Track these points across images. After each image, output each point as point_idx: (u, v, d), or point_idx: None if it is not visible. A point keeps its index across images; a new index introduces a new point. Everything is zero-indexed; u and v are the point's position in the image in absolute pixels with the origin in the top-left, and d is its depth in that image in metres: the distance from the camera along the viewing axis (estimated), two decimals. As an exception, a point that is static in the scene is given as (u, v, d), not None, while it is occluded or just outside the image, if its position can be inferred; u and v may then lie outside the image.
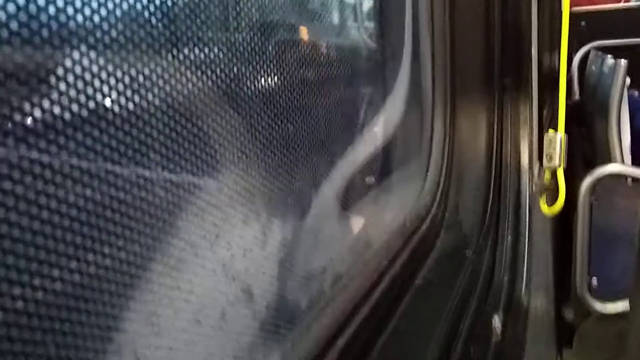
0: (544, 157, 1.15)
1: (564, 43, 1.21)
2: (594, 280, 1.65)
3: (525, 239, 0.98)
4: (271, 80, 0.60)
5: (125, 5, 0.39)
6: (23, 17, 0.32)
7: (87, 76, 0.36)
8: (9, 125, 0.31)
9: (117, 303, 0.38)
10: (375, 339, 0.65)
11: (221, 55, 0.53)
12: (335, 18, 0.92)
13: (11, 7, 0.31)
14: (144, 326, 0.40)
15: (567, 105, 1.23)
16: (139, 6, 0.41)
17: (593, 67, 2.38)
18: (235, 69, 0.52)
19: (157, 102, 0.45)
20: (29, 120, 0.33)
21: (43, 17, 0.33)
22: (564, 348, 1.71)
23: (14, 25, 0.31)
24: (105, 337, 0.37)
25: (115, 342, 0.38)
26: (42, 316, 0.34)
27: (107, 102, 0.40)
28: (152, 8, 0.43)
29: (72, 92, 0.34)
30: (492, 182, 1.02)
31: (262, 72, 0.57)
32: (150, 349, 0.40)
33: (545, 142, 1.13)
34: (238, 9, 0.58)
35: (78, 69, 0.35)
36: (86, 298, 0.36)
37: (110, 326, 0.38)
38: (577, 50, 2.68)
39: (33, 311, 0.34)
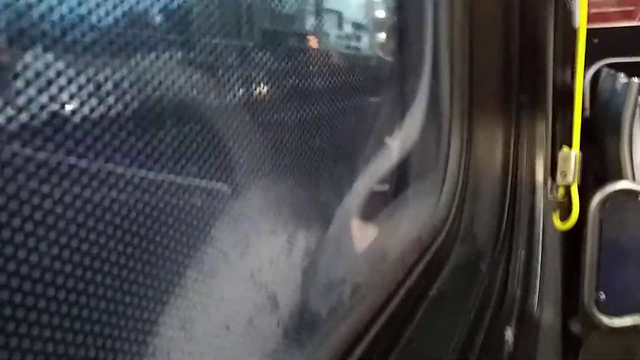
0: (558, 173, 1.16)
1: (580, 60, 1.22)
2: (602, 295, 1.65)
3: (538, 253, 0.99)
4: (298, 97, 0.61)
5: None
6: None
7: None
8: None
9: (153, 308, 0.40)
10: (392, 348, 0.66)
11: (254, 73, 0.55)
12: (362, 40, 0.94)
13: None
14: (178, 331, 0.41)
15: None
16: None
17: (605, 85, 2.39)
18: (266, 86, 0.54)
19: (191, 115, 0.46)
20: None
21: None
22: (571, 361, 1.71)
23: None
24: (140, 341, 0.39)
25: (150, 346, 0.39)
26: (82, 319, 0.36)
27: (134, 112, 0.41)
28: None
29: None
30: (507, 197, 1.04)
31: (291, 89, 0.59)
32: (183, 353, 0.41)
33: (559, 159, 1.14)
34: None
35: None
36: (125, 303, 0.38)
37: (145, 330, 0.39)
38: (588, 67, 2.68)
39: (74, 314, 0.35)
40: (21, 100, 0.31)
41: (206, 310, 0.44)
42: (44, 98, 0.32)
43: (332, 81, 0.74)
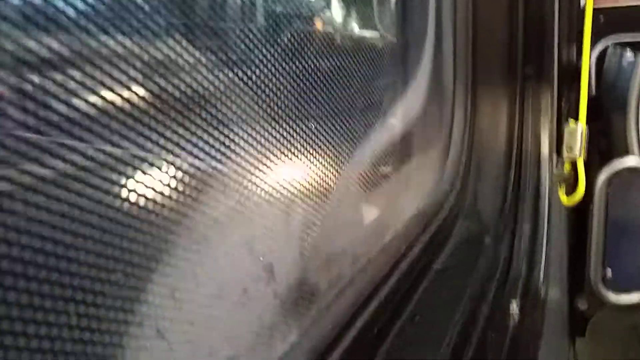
0: (564, 147, 1.14)
1: (586, 35, 1.19)
2: (609, 272, 1.64)
3: (543, 228, 0.97)
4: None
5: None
6: None
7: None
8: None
9: (139, 275, 0.38)
10: (394, 321, 0.65)
11: (264, 73, 0.53)
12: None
13: None
14: (167, 300, 0.40)
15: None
16: None
17: (611, 62, 2.36)
18: (271, 82, 0.52)
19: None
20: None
21: None
22: (577, 338, 1.71)
23: None
24: (126, 308, 0.38)
25: (137, 314, 0.38)
26: (66, 285, 0.34)
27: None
28: None
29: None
30: (512, 171, 1.02)
31: (291, 76, 0.57)
32: (171, 322, 0.40)
33: (565, 133, 1.12)
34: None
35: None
36: (109, 269, 0.36)
37: (131, 298, 0.38)
38: (595, 45, 2.65)
39: (57, 280, 0.34)
40: None
41: (197, 279, 0.42)
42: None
43: (332, 59, 0.73)
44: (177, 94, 0.43)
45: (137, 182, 0.38)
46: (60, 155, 0.34)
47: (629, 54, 2.01)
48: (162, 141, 0.41)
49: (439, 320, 0.68)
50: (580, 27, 1.54)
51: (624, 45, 2.39)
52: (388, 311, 0.64)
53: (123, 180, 0.37)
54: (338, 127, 0.70)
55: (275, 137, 0.54)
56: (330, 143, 0.68)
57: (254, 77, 0.53)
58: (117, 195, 0.37)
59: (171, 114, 0.42)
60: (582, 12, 1.59)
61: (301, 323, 0.54)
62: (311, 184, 0.62)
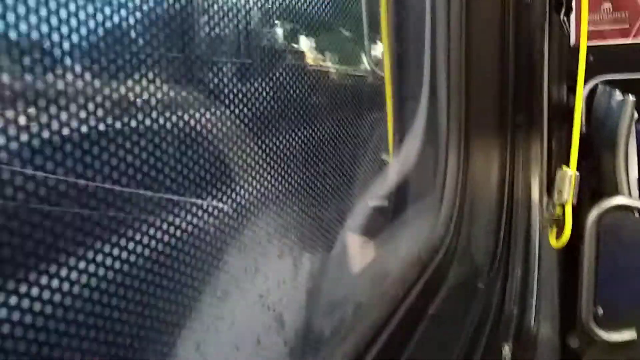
0: (555, 192, 1.19)
1: (580, 78, 1.25)
2: (600, 310, 1.67)
3: (534, 271, 1.02)
4: (303, 127, 0.64)
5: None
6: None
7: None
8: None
9: (171, 331, 0.43)
10: (393, 366, 0.69)
11: (258, 104, 0.58)
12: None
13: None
14: (193, 352, 0.44)
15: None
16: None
17: (601, 102, 2.42)
18: (272, 118, 0.57)
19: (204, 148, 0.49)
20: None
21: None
22: (569, 377, 1.73)
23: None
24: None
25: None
26: (108, 343, 0.39)
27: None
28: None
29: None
30: (504, 216, 1.07)
31: (295, 120, 0.62)
32: (198, 372, 0.44)
33: (557, 178, 1.17)
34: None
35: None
36: (146, 326, 0.41)
37: (164, 352, 0.42)
38: (584, 85, 2.71)
39: (100, 339, 0.38)
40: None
41: (218, 331, 0.47)
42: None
43: (334, 108, 0.78)
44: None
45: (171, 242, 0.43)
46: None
47: (617, 94, 2.06)
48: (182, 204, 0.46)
49: (436, 364, 0.72)
50: (570, 67, 1.60)
51: (612, 83, 2.46)
52: (388, 356, 0.68)
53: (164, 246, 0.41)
54: (340, 180, 0.75)
55: (282, 193, 0.59)
56: (333, 195, 0.73)
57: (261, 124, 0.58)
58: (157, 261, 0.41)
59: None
60: (571, 51, 1.64)
61: (308, 369, 0.58)
62: (316, 236, 0.67)
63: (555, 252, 1.37)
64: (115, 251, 0.39)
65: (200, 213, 0.47)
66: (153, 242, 0.42)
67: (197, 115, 0.50)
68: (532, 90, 1.23)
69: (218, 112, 0.53)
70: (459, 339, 0.79)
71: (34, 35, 0.33)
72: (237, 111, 0.55)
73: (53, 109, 0.34)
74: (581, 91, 1.32)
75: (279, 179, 0.59)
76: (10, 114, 0.32)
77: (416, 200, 1.00)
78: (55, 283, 0.35)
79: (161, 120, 0.45)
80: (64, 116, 0.35)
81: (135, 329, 0.39)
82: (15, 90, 0.33)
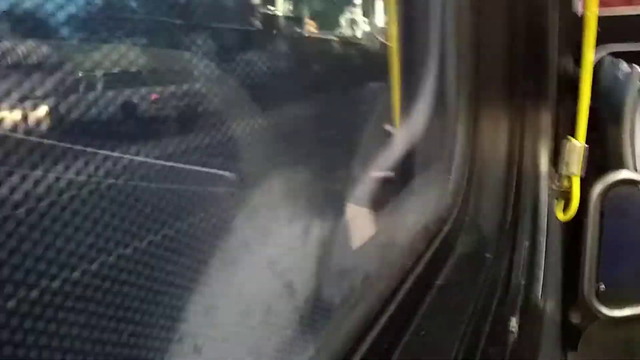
0: (562, 164, 1.17)
1: (588, 48, 1.22)
2: (602, 286, 1.67)
3: (542, 244, 1.01)
4: (312, 89, 0.62)
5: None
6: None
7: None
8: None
9: (180, 295, 0.41)
10: (401, 336, 0.67)
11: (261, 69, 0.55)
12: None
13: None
14: (202, 318, 0.42)
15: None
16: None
17: (607, 73, 2.39)
18: (284, 79, 0.55)
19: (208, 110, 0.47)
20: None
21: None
22: (569, 351, 1.73)
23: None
24: (169, 326, 0.40)
25: (177, 332, 0.41)
26: (112, 305, 0.37)
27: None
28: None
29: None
30: (512, 187, 1.05)
31: (306, 81, 0.60)
32: (207, 338, 0.43)
33: (564, 150, 1.15)
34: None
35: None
36: (155, 290, 0.39)
37: (173, 316, 0.40)
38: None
39: (106, 301, 0.36)
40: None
41: (228, 297, 0.45)
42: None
43: (343, 73, 0.75)
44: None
45: (179, 205, 0.41)
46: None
47: (624, 66, 2.03)
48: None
49: (444, 336, 0.71)
50: (577, 38, 1.57)
51: (619, 55, 2.42)
52: (396, 326, 0.67)
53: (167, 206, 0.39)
54: (347, 148, 0.73)
55: (296, 155, 0.57)
56: (343, 161, 0.71)
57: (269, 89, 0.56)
58: (161, 220, 0.39)
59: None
60: (579, 22, 1.61)
61: (317, 338, 0.56)
62: (326, 203, 0.65)
63: (559, 226, 1.36)
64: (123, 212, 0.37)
65: (208, 177, 0.45)
66: (161, 203, 0.40)
67: (200, 82, 0.48)
68: (540, 59, 1.20)
69: (222, 79, 0.51)
70: (467, 310, 0.78)
71: None
72: (240, 77, 0.53)
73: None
74: (590, 60, 1.30)
75: (287, 144, 0.57)
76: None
77: (424, 170, 0.98)
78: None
79: (165, 88, 0.43)
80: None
81: (142, 292, 0.38)
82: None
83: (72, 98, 0.34)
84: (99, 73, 0.38)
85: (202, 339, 0.41)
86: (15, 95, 0.29)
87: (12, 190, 0.29)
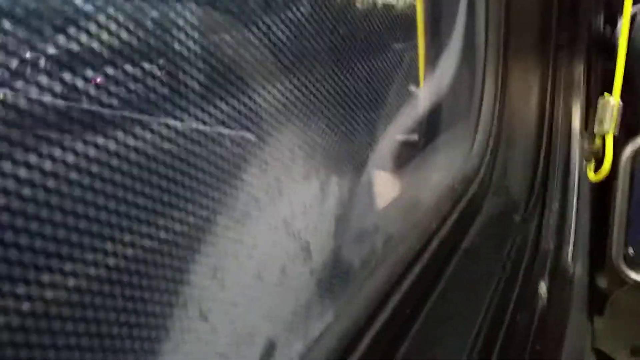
0: (595, 121, 1.11)
1: (627, 3, 1.15)
2: (630, 250, 1.62)
3: (572, 206, 0.96)
4: (326, 36, 0.57)
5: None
6: None
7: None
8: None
9: (183, 256, 0.37)
10: (426, 300, 0.64)
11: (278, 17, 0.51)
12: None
13: None
14: (209, 280, 0.39)
15: (610, 69, 1.18)
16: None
17: (640, 31, 2.30)
18: (292, 28, 0.50)
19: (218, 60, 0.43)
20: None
21: None
22: (596, 316, 1.69)
23: None
24: (171, 290, 0.37)
25: (181, 295, 0.37)
26: (113, 268, 0.33)
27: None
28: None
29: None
30: (542, 146, 0.99)
31: (317, 29, 0.55)
32: (214, 303, 0.39)
33: (598, 106, 1.09)
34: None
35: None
36: (155, 250, 0.35)
37: (176, 279, 0.37)
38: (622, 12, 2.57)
39: (107, 264, 0.33)
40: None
41: (238, 258, 0.41)
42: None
43: (361, 24, 0.70)
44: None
45: (180, 156, 0.37)
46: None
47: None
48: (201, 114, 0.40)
49: (469, 301, 0.67)
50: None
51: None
52: (420, 290, 0.63)
53: (165, 157, 0.36)
54: (370, 101, 0.69)
55: (307, 111, 0.53)
56: (364, 118, 0.66)
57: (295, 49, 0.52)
58: (160, 173, 0.35)
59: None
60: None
61: (336, 302, 0.53)
62: (345, 160, 0.61)
63: (588, 188, 1.30)
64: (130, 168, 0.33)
65: (214, 124, 0.41)
66: (161, 160, 0.36)
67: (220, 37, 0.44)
68: (575, 10, 1.13)
69: (239, 34, 0.47)
70: (494, 275, 0.74)
71: None
72: (257, 31, 0.48)
73: None
74: (628, 14, 1.22)
75: (303, 94, 0.52)
76: None
77: (450, 127, 0.93)
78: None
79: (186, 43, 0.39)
80: None
81: (140, 252, 0.34)
82: None
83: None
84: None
85: (209, 303, 0.38)
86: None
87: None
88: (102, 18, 0.33)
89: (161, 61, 0.38)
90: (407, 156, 0.81)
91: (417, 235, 0.69)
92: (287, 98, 0.50)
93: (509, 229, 0.85)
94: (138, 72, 0.35)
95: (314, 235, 0.51)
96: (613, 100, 1.12)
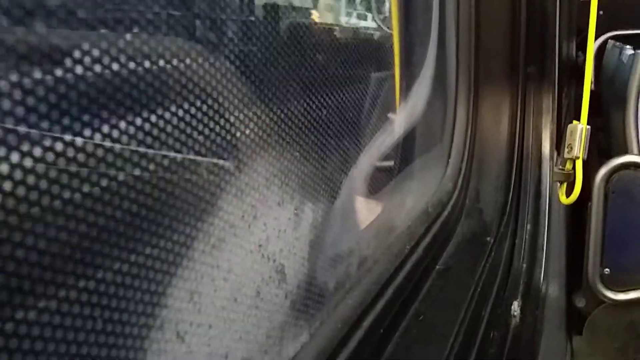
0: (565, 147, 1.14)
1: (591, 32, 1.20)
2: (607, 270, 1.65)
3: (544, 227, 0.99)
4: (303, 69, 0.60)
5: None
6: None
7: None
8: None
9: (160, 280, 0.39)
10: (399, 321, 0.66)
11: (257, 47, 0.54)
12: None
13: None
14: (186, 303, 0.41)
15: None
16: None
17: (610, 57, 2.36)
18: (271, 59, 0.53)
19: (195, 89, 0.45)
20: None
21: None
22: (574, 335, 1.72)
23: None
24: (148, 313, 0.38)
25: (158, 318, 0.39)
26: (89, 291, 0.35)
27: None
28: None
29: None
30: (513, 170, 1.03)
31: (295, 61, 0.58)
32: (191, 325, 0.41)
33: (567, 132, 1.13)
34: None
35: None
36: (132, 274, 0.37)
37: (153, 302, 0.39)
38: (594, 40, 2.64)
39: (80, 286, 0.35)
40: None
41: (214, 282, 0.43)
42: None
43: (336, 54, 0.73)
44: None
45: (160, 185, 0.39)
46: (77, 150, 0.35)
47: (628, 49, 2.00)
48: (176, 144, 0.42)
49: (443, 321, 0.69)
50: (579, 22, 1.53)
51: (623, 39, 2.39)
52: (394, 311, 0.66)
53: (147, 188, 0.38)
54: (345, 129, 0.71)
55: (283, 139, 0.55)
56: (338, 145, 0.69)
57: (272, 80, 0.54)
58: (139, 200, 0.37)
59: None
60: (581, 6, 1.58)
61: (311, 323, 0.55)
62: (319, 186, 0.63)
63: (564, 210, 1.34)
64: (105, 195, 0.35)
65: (193, 154, 0.43)
66: (140, 187, 0.38)
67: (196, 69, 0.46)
68: (543, 43, 1.18)
69: (217, 64, 0.50)
70: (467, 295, 0.76)
71: None
72: (237, 62, 0.51)
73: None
74: (592, 45, 1.27)
75: (279, 123, 0.55)
76: None
77: (423, 152, 0.96)
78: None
79: (162, 75, 0.41)
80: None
81: (119, 276, 0.36)
82: None
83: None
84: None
85: (185, 325, 0.40)
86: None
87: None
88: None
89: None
90: (382, 181, 0.84)
91: (391, 258, 0.71)
92: (262, 126, 0.52)
93: (481, 250, 0.88)
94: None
95: (289, 259, 0.53)
96: (581, 126, 1.16)
